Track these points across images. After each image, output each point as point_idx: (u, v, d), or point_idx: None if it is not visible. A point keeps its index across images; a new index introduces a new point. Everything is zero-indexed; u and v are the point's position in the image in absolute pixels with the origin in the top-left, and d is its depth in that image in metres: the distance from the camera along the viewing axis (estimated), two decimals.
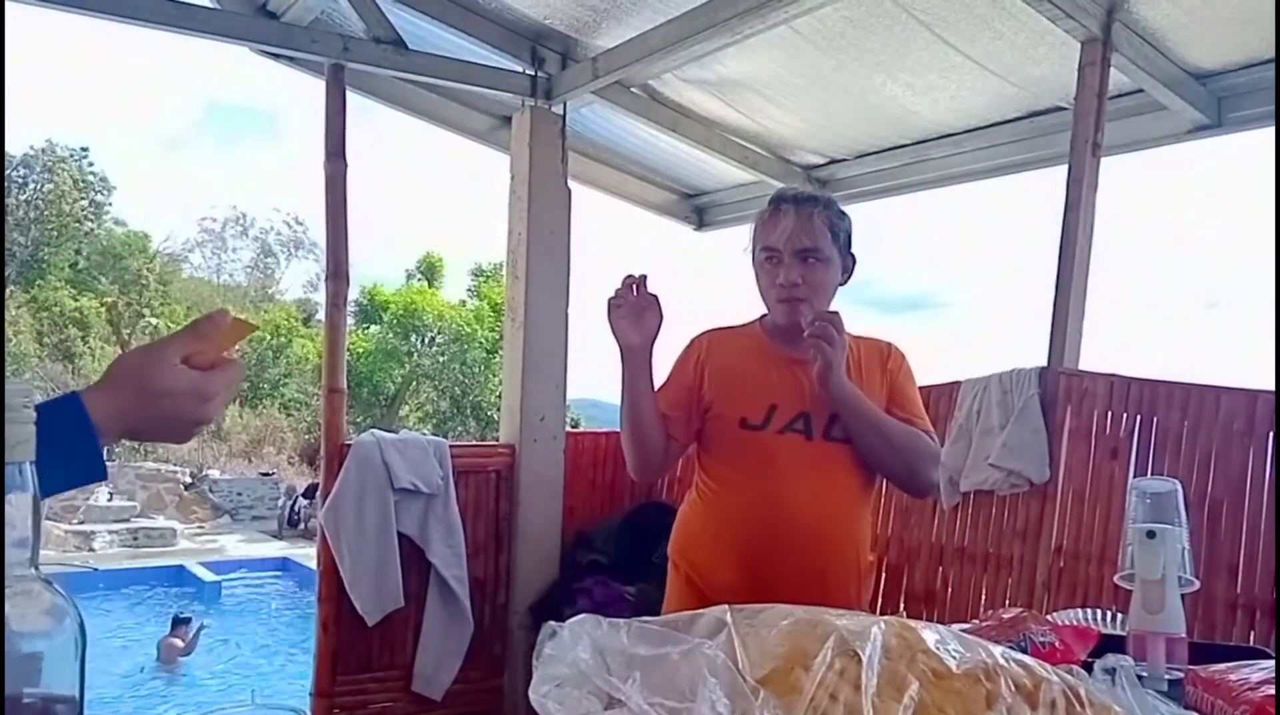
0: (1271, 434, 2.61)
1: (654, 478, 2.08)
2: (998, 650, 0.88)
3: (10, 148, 19.91)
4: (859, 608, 2.00)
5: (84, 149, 21.12)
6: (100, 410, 0.86)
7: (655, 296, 1.84)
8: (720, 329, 2.09)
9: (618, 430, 2.00)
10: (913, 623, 0.90)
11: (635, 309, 1.83)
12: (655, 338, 1.87)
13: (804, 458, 1.90)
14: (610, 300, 1.83)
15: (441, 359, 19.71)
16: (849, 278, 2.01)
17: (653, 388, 1.93)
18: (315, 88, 3.70)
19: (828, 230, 1.92)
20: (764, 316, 2.06)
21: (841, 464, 1.93)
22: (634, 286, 1.83)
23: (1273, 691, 1.13)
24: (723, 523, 1.95)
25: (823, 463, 1.91)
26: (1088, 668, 1.12)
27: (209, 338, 0.93)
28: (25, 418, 0.62)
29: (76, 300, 19.49)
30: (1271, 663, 1.25)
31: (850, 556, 1.97)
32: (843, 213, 1.99)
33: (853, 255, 2.00)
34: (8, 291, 18.13)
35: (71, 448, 0.84)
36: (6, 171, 19.40)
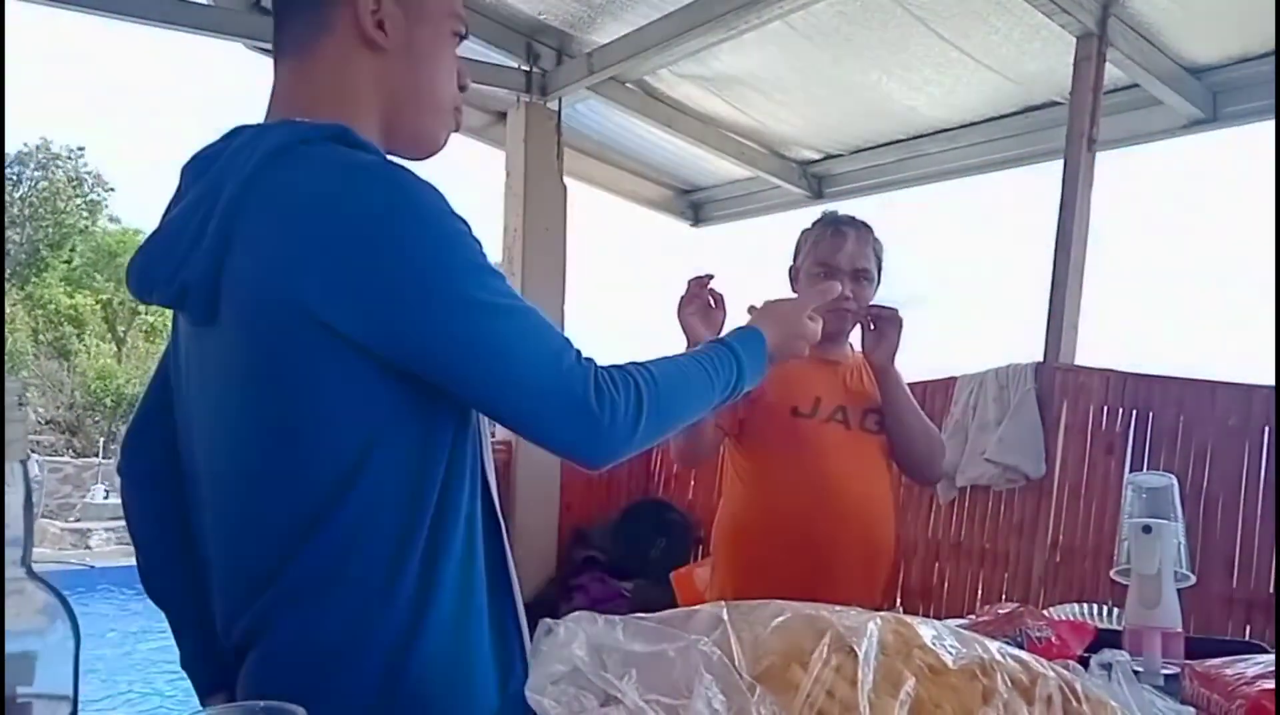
0: (1268, 429, 2.62)
1: (699, 463, 2.43)
2: (994, 646, 0.88)
3: (6, 146, 19.87)
4: (884, 586, 2.26)
5: (80, 148, 21.09)
6: (770, 341, 1.22)
7: (721, 294, 1.99)
8: None
9: None
10: (909, 618, 0.90)
11: (703, 306, 1.98)
12: (720, 331, 2.02)
13: (845, 445, 2.12)
14: (681, 298, 1.98)
15: None
16: (875, 294, 2.23)
17: None
18: None
19: (874, 255, 2.18)
20: None
21: (874, 453, 2.16)
22: (702, 285, 1.98)
23: (1269, 686, 1.14)
24: (782, 505, 2.10)
25: (860, 450, 2.13)
26: (1084, 663, 1.12)
27: (825, 299, 1.33)
28: (19, 416, 0.61)
29: (72, 297, 19.47)
30: (1268, 657, 1.25)
31: (891, 534, 2.20)
32: (879, 240, 2.22)
33: (881, 277, 2.24)
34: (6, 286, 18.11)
35: (761, 360, 1.19)
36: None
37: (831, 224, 2.20)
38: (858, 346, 2.22)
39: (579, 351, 0.96)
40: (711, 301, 1.98)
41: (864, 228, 2.19)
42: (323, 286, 0.89)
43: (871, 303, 2.16)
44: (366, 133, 1.01)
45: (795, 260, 2.25)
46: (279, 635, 0.97)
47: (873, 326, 2.12)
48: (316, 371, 0.92)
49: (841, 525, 2.05)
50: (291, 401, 0.94)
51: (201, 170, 1.00)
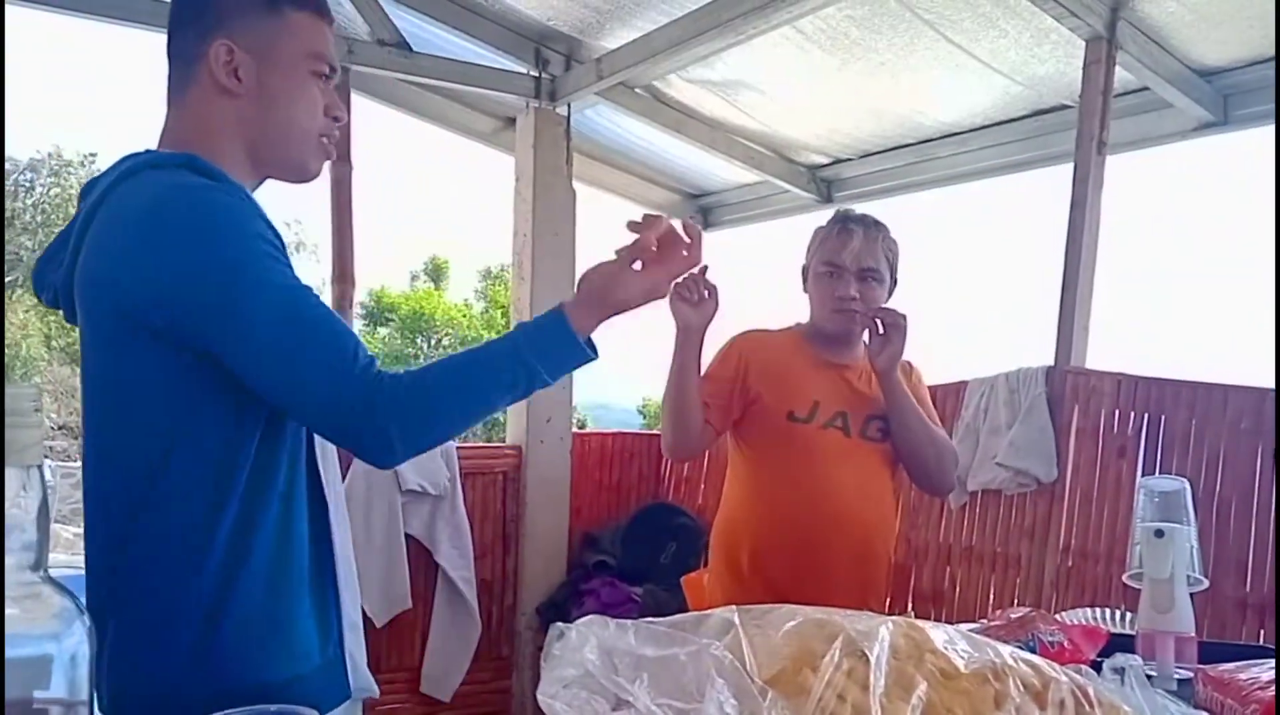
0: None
1: (688, 456, 2.35)
2: (1006, 650, 0.88)
3: (18, 152, 20.00)
4: (887, 596, 2.22)
5: (92, 154, 21.18)
6: (577, 319, 1.17)
7: (714, 285, 1.97)
8: (758, 331, 2.24)
9: (624, 431, 2.10)
10: (920, 623, 0.90)
11: (696, 294, 1.98)
12: (710, 322, 2.02)
13: (844, 453, 2.07)
14: (675, 285, 1.90)
15: None
16: (890, 297, 2.18)
17: (700, 371, 2.07)
18: None
19: (885, 254, 2.12)
20: (801, 323, 2.23)
21: (875, 461, 2.10)
22: (695, 274, 1.95)
23: None
24: (774, 510, 2.08)
25: (860, 458, 2.09)
26: (1096, 667, 1.12)
27: (647, 240, 1.22)
28: (35, 422, 0.62)
29: None
30: None
31: (889, 544, 2.16)
32: (894, 240, 2.17)
33: (896, 278, 2.19)
34: (14, 295, 18.21)
35: (563, 345, 1.16)
36: (14, 176, 19.47)
37: (840, 222, 2.16)
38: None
39: (361, 352, 1.06)
40: (704, 291, 1.97)
41: (874, 226, 2.14)
42: (132, 281, 1.04)
43: (882, 307, 2.11)
44: (233, 165, 1.18)
45: (806, 258, 2.21)
46: (119, 616, 1.09)
47: (880, 330, 2.07)
48: (131, 359, 1.07)
49: (832, 532, 2.02)
50: (115, 387, 1.09)
51: (87, 193, 1.18)
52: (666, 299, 1.91)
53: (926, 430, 2.10)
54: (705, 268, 1.94)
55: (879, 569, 2.13)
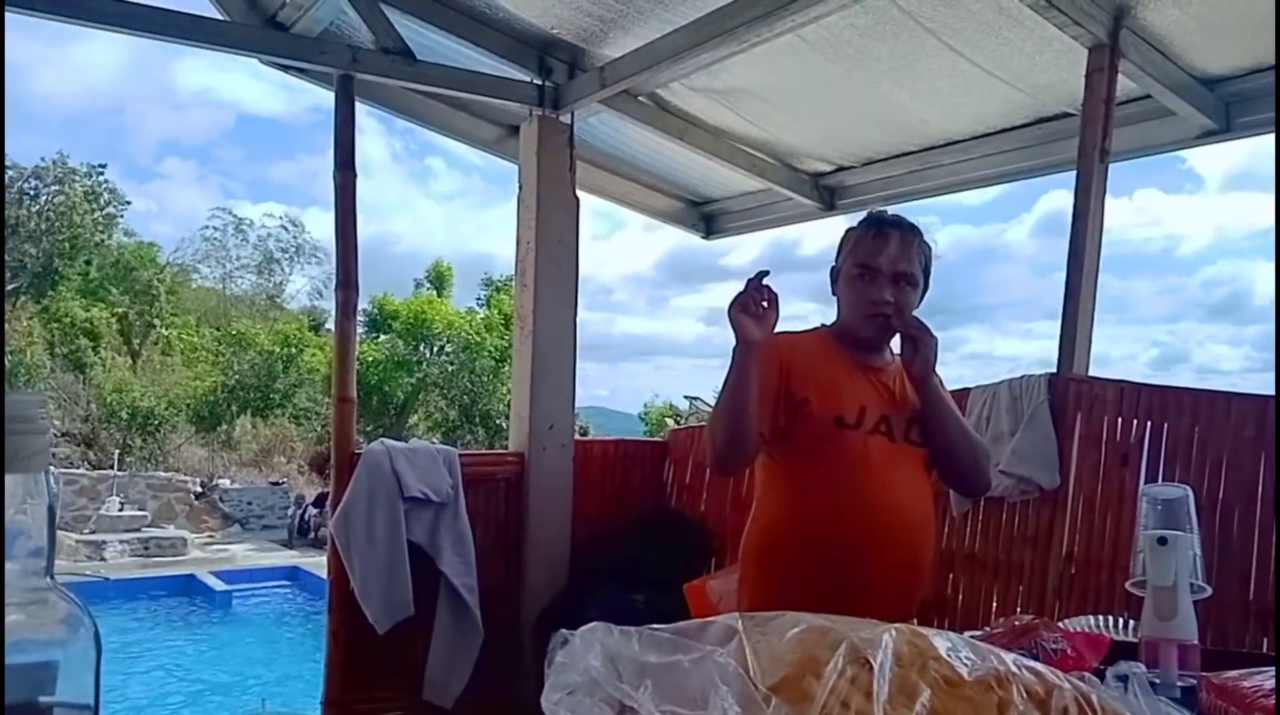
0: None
1: (740, 470, 2.27)
2: (1009, 657, 0.87)
3: (23, 159, 20.06)
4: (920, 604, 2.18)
5: (101, 166, 21.23)
6: None
7: (775, 294, 1.95)
8: (786, 333, 2.14)
9: (626, 438, 2.06)
10: (924, 630, 0.89)
11: (758, 305, 1.93)
12: (772, 332, 1.98)
13: (891, 458, 2.03)
14: (738, 297, 1.92)
15: (450, 368, 19.74)
16: (922, 301, 2.16)
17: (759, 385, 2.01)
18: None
19: (920, 258, 2.09)
20: (830, 324, 2.19)
21: (919, 465, 2.08)
22: (758, 285, 1.93)
23: None
24: (817, 519, 2.03)
25: (905, 463, 2.05)
26: (1100, 675, 1.12)
27: None
28: (40, 429, 0.62)
29: (88, 311, 19.58)
30: None
31: (932, 551, 2.13)
32: (928, 243, 2.14)
33: (928, 283, 2.15)
34: (17, 302, 18.24)
35: None
36: (19, 183, 19.51)
37: (875, 224, 2.11)
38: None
39: None
40: (765, 302, 1.93)
41: (910, 229, 2.10)
42: None
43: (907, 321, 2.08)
44: None
45: (837, 260, 2.17)
46: None
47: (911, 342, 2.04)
48: None
49: (883, 542, 1.98)
50: None
51: None
52: (727, 309, 1.93)
53: (964, 432, 2.09)
54: (765, 274, 1.93)
55: (923, 577, 2.12)
